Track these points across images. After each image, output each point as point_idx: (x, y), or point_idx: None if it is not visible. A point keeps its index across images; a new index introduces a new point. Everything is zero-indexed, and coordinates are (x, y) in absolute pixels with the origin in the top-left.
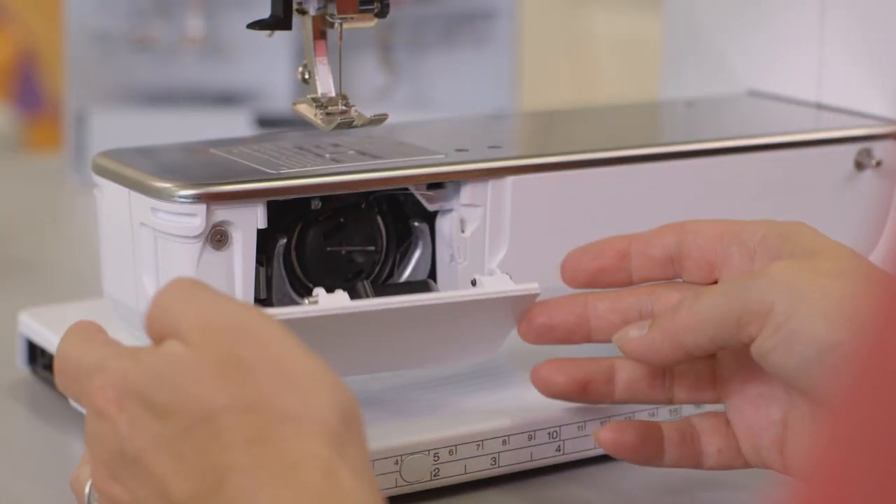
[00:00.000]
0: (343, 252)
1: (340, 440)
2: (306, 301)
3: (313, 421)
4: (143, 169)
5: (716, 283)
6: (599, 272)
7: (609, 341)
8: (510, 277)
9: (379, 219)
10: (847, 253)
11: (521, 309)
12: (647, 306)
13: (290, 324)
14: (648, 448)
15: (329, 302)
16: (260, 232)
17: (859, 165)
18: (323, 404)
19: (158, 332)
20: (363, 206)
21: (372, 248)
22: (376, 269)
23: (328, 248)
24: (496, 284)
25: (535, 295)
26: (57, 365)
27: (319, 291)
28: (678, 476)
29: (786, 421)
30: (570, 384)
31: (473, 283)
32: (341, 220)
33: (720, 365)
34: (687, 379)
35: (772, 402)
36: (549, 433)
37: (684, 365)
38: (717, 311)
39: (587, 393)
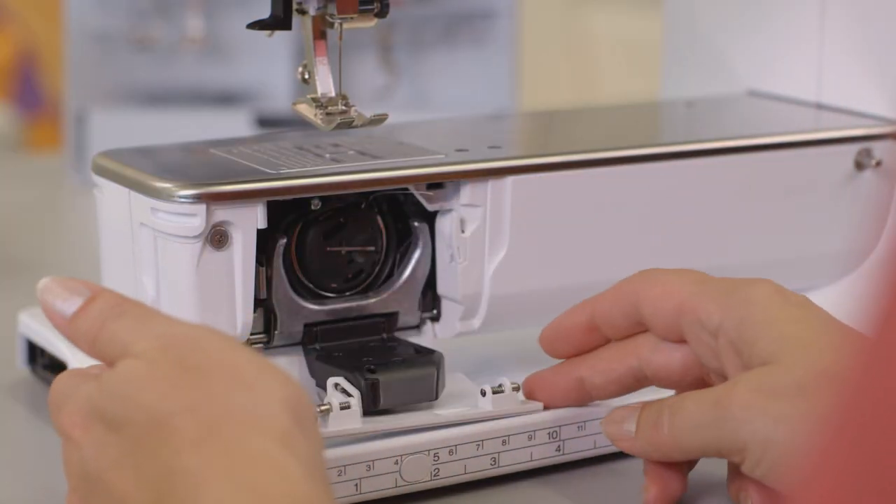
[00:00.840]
0: (343, 252)
1: (289, 435)
2: (317, 410)
3: (261, 417)
4: (143, 169)
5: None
6: (577, 349)
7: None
8: (518, 392)
9: (379, 219)
10: (803, 350)
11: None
12: (641, 372)
13: None
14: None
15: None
16: (260, 232)
17: (859, 165)
18: (272, 401)
19: (110, 355)
20: (363, 205)
21: (372, 248)
22: (376, 269)
23: (328, 248)
24: (502, 404)
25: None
26: (49, 403)
27: (331, 402)
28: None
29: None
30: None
31: (483, 393)
32: (341, 220)
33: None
34: None
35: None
36: (549, 433)
37: None
38: (697, 439)
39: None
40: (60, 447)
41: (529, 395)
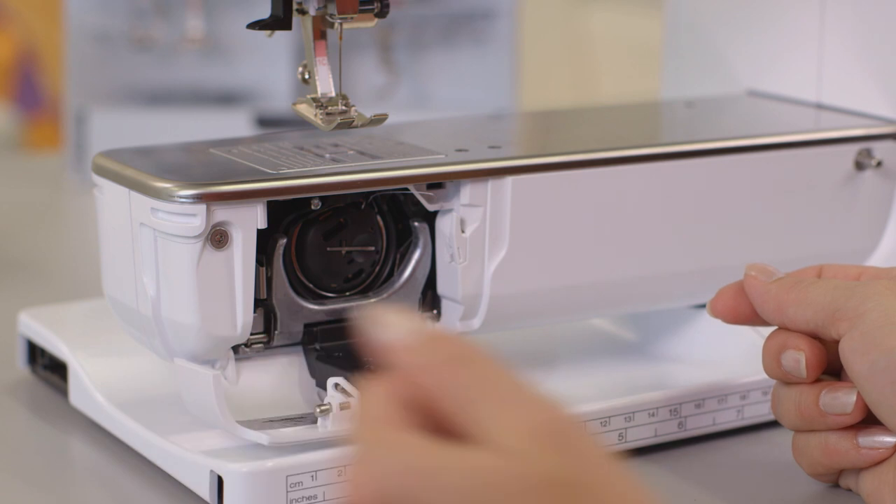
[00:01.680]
0: (343, 252)
1: None
2: (317, 410)
3: None
4: (143, 169)
5: None
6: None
7: None
8: None
9: (379, 219)
10: None
11: None
12: None
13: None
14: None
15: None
16: (260, 232)
17: (859, 165)
18: None
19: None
20: (363, 206)
21: (372, 248)
22: (376, 269)
23: (328, 248)
24: None
25: None
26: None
27: (331, 402)
28: (678, 476)
29: None
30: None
31: None
32: (341, 220)
33: None
34: None
35: None
36: None
37: None
38: (821, 299)
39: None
40: (61, 445)
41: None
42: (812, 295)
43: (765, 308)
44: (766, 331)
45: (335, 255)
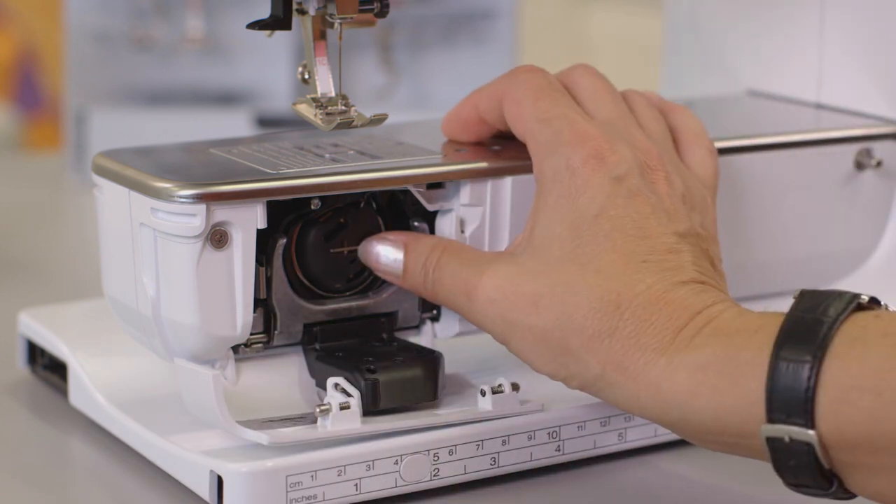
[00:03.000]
0: (345, 253)
1: None
2: (317, 410)
3: None
4: (143, 169)
5: None
6: (476, 137)
7: None
8: (517, 393)
9: (379, 219)
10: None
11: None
12: None
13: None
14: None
15: (337, 423)
16: (260, 232)
17: (859, 165)
18: None
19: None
20: (362, 205)
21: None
22: None
23: (330, 250)
24: (502, 404)
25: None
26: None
27: (331, 402)
28: (679, 476)
29: None
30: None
31: (483, 393)
32: (342, 220)
33: None
34: None
35: None
36: (549, 433)
37: None
38: (451, 307)
39: None
40: (61, 445)
41: (447, 135)
42: (439, 301)
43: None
44: None
45: (336, 256)
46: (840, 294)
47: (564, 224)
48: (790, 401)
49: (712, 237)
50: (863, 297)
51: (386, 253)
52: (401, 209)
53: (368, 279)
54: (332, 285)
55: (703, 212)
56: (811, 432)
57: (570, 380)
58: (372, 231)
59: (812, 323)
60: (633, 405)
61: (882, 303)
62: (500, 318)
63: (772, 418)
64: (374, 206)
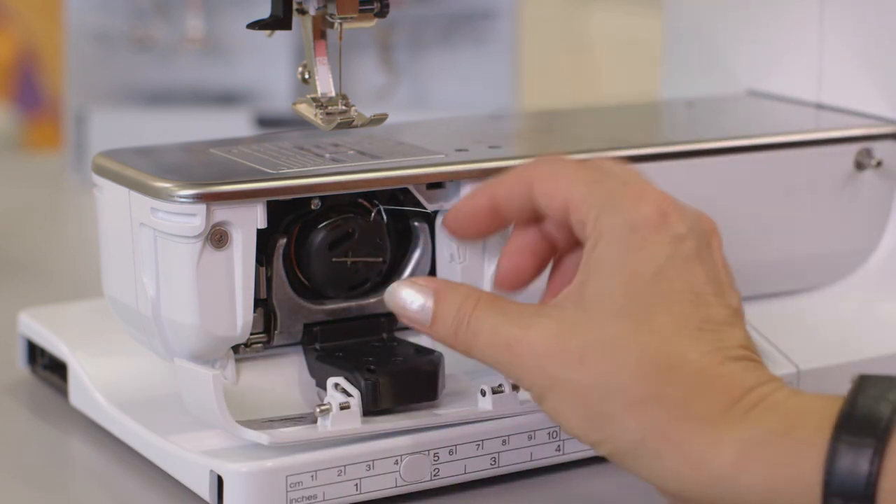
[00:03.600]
0: (349, 263)
1: None
2: (317, 410)
3: None
4: (143, 169)
5: None
6: (481, 232)
7: None
8: (517, 393)
9: (385, 227)
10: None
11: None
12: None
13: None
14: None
15: (337, 423)
16: (260, 232)
17: (859, 165)
18: None
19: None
20: (373, 215)
21: (380, 258)
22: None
23: (333, 259)
24: (502, 404)
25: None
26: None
27: (331, 402)
28: None
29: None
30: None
31: (483, 393)
32: (350, 230)
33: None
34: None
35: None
36: (548, 433)
37: None
38: (489, 363)
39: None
40: (61, 445)
41: (450, 229)
42: (474, 357)
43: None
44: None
45: (341, 265)
46: None
47: (619, 280)
48: (850, 484)
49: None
50: None
51: (413, 299)
52: (400, 209)
53: (368, 287)
54: (332, 292)
55: (739, 294)
56: None
57: (603, 443)
58: (379, 246)
59: (874, 405)
60: (670, 478)
61: None
62: (542, 372)
63: (828, 500)
64: (384, 218)
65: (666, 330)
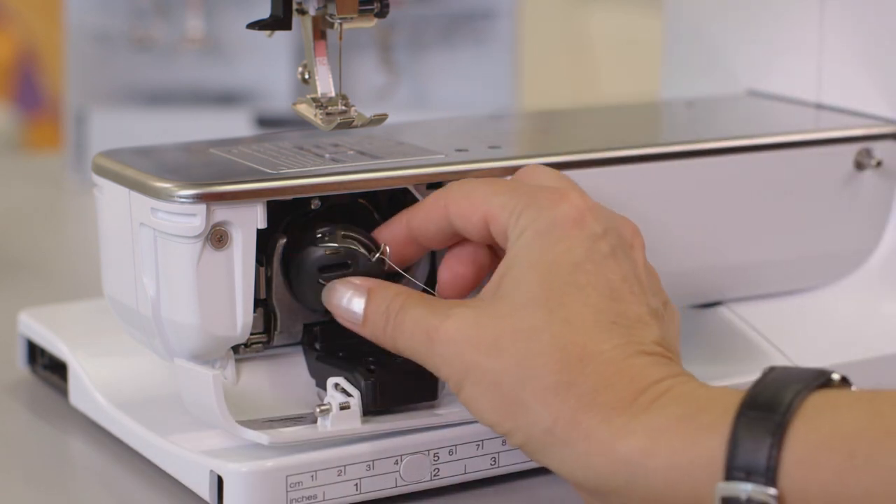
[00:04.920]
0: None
1: None
2: (317, 410)
3: None
4: (143, 169)
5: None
6: (400, 261)
7: None
8: None
9: (378, 218)
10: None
11: None
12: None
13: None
14: None
15: (337, 423)
16: (260, 232)
17: (859, 165)
18: None
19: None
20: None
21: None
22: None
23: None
24: None
25: None
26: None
27: (331, 402)
28: None
29: None
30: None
31: None
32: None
33: None
34: None
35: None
36: None
37: None
38: (411, 354)
39: None
40: (61, 445)
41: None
42: (399, 349)
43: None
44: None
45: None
46: (809, 369)
47: (536, 270)
48: (752, 458)
49: (673, 324)
50: (834, 374)
51: (347, 298)
52: (401, 209)
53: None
54: (311, 307)
55: (665, 298)
56: (772, 491)
57: (514, 433)
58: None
59: (778, 391)
60: (577, 466)
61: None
62: (458, 359)
63: (730, 476)
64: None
65: (579, 320)
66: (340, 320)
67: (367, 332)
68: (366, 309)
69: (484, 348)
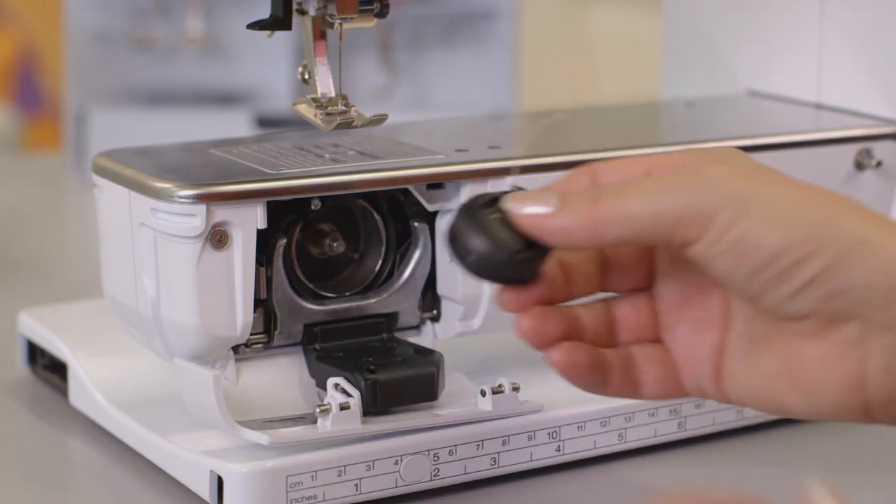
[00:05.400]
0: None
1: None
2: (317, 410)
3: None
4: (143, 169)
5: None
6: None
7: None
8: (517, 393)
9: (378, 218)
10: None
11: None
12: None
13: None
14: (597, 373)
15: (337, 423)
16: (260, 232)
17: (859, 165)
18: None
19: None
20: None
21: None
22: (376, 269)
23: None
24: (502, 404)
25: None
26: None
27: (331, 402)
28: (678, 477)
29: (724, 346)
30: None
31: (483, 393)
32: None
33: (657, 297)
34: (630, 320)
35: (710, 328)
36: (548, 433)
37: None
38: (650, 210)
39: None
40: (61, 445)
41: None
42: (632, 209)
43: (573, 240)
44: None
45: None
46: None
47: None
48: None
49: None
50: None
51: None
52: (401, 209)
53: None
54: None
55: None
56: None
57: (823, 250)
58: (370, 231)
59: None
60: (884, 272)
61: None
62: (738, 186)
63: None
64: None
65: None
66: (525, 218)
67: (563, 220)
68: (562, 191)
69: (766, 177)
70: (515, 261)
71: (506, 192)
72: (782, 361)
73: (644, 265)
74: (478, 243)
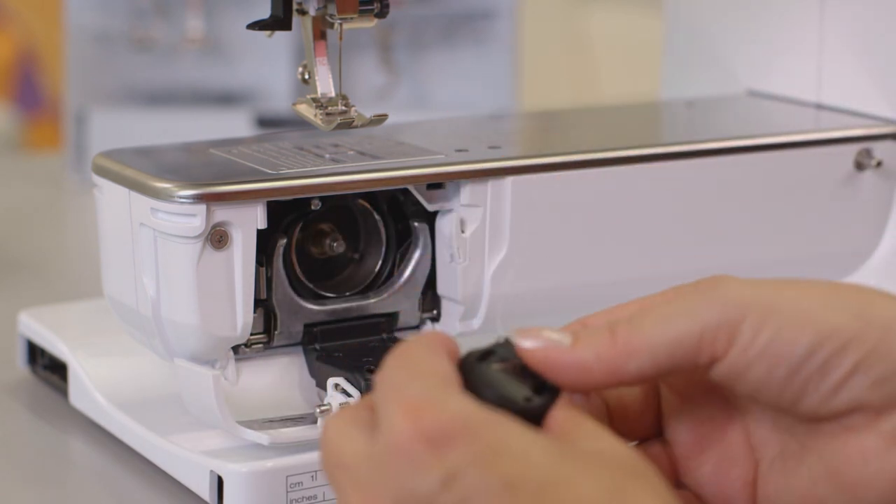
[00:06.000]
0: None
1: None
2: (317, 410)
3: None
4: (143, 169)
5: None
6: None
7: None
8: None
9: (378, 218)
10: None
11: None
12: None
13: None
14: None
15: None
16: (260, 232)
17: (859, 165)
18: None
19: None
20: (362, 205)
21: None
22: (376, 269)
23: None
24: None
25: None
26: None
27: (331, 402)
28: None
29: (755, 478)
30: None
31: None
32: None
33: (672, 443)
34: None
35: (735, 464)
36: None
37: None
38: (671, 333)
39: None
40: (61, 445)
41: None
42: (654, 332)
43: (592, 378)
44: None
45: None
46: None
47: None
48: None
49: None
50: None
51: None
52: (401, 209)
53: (368, 280)
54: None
55: None
56: None
57: (862, 336)
58: (370, 231)
59: None
60: None
61: None
62: (756, 300)
63: None
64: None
65: None
66: (537, 355)
67: (580, 354)
68: (575, 330)
69: (776, 282)
70: (528, 408)
71: (500, 343)
72: (822, 465)
73: (651, 409)
74: (488, 395)
